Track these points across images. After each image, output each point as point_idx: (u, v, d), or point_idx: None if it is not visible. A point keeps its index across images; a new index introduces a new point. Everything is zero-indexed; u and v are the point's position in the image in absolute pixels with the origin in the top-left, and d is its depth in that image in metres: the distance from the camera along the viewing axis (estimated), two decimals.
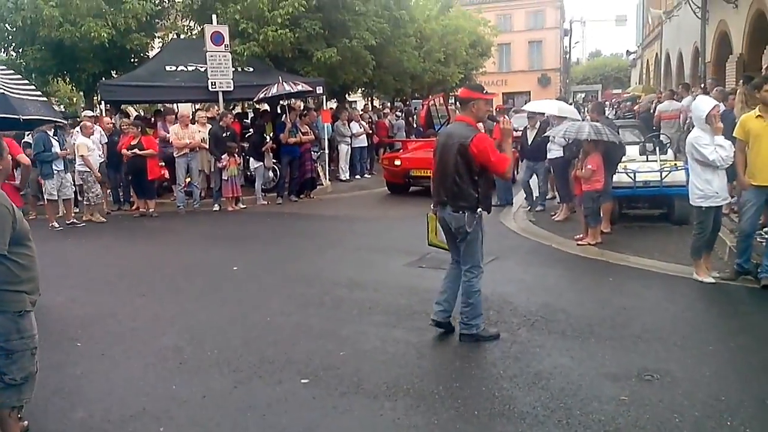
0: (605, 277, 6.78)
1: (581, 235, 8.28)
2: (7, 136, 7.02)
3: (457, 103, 5.12)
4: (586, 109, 21.04)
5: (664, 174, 8.71)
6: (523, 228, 9.50)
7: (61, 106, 29.29)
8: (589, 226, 8.20)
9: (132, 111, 18.00)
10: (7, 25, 13.90)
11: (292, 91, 12.75)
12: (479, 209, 4.87)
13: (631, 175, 8.75)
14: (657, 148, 9.69)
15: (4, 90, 3.87)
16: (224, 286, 6.84)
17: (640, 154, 9.67)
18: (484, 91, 5.33)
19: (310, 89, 13.48)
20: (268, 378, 4.42)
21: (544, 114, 11.07)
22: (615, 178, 8.56)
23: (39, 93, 4.34)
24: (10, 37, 14.18)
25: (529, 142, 10.77)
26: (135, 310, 6.11)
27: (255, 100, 14.05)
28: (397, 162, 13.42)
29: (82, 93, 17.22)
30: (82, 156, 10.83)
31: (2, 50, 15.02)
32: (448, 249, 5.27)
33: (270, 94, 12.85)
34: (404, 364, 4.58)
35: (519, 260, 7.64)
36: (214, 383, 4.37)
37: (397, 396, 4.06)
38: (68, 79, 16.18)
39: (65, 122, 7.61)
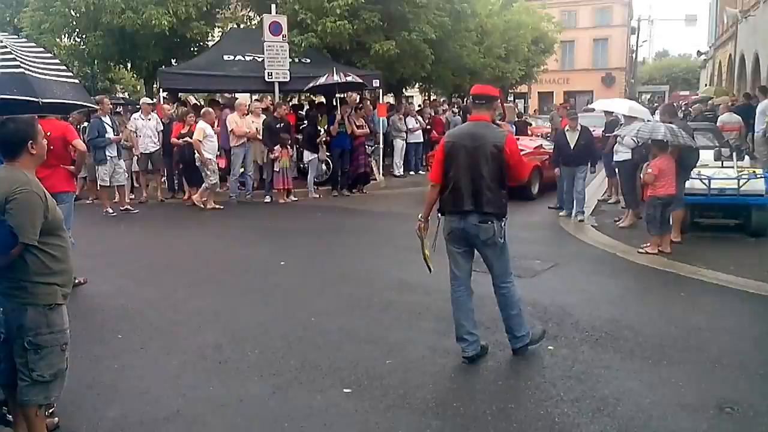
0: (676, 291, 6.26)
1: (648, 244, 7.74)
2: (63, 120, 6.97)
3: (474, 100, 4.58)
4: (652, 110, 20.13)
5: (741, 182, 8.08)
6: (585, 233, 8.98)
7: (125, 93, 29.99)
8: (650, 234, 7.66)
9: (192, 100, 18.13)
10: (71, 11, 14.10)
11: (342, 81, 12.47)
12: (506, 217, 4.49)
13: (706, 181, 8.15)
14: (734, 154, 9.03)
15: (25, 68, 3.45)
16: (270, 281, 6.63)
17: (715, 160, 9.02)
18: None
19: (361, 80, 13.16)
20: (309, 385, 4.15)
21: (612, 113, 10.51)
22: (687, 184, 7.98)
23: (69, 74, 3.83)
24: (74, 23, 14.39)
25: (572, 146, 9.70)
26: (178, 302, 5.95)
27: (305, 89, 13.84)
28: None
29: (142, 80, 17.42)
30: (197, 141, 10.80)
31: (66, 36, 15.28)
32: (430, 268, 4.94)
33: (319, 83, 12.62)
34: (454, 378, 4.25)
35: (580, 268, 7.18)
36: (252, 387, 4.13)
37: (446, 414, 3.74)
38: (129, 66, 16.35)
39: (96, 107, 7.33)
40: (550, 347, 4.72)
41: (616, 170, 10.01)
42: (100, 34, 14.42)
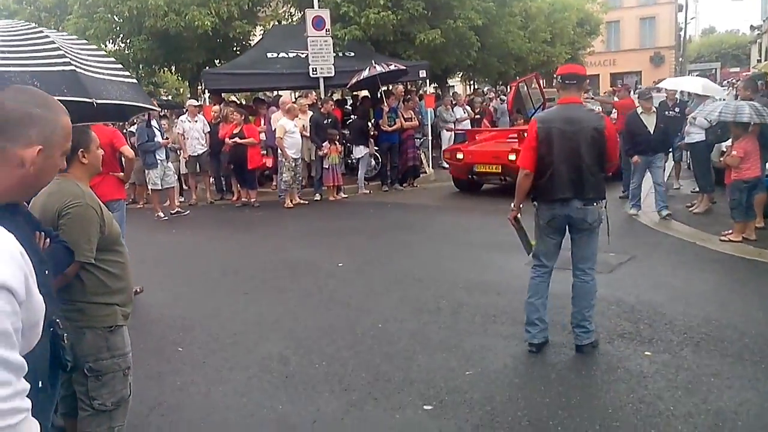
0: None
1: (730, 231, 7.18)
2: (110, 125, 6.79)
3: (563, 81, 4.28)
4: None
5: None
6: (657, 222, 8.41)
7: (169, 96, 30.21)
8: (735, 221, 7.11)
9: (237, 100, 18.03)
10: (114, 16, 14.08)
11: (385, 71, 12.09)
12: (605, 199, 4.35)
13: None
14: None
15: (76, 65, 3.10)
16: (329, 284, 6.33)
17: None
18: None
19: (404, 67, 12.73)
20: (385, 401, 3.81)
21: (677, 91, 9.89)
22: None
23: (126, 73, 3.44)
24: (118, 28, 14.38)
25: (652, 131, 8.45)
26: (238, 311, 5.70)
27: (348, 86, 13.51)
28: (460, 155, 11.57)
29: (187, 82, 17.39)
30: (279, 138, 10.73)
31: (111, 41, 15.30)
32: (535, 252, 4.59)
33: (362, 78, 12.28)
34: (545, 391, 3.85)
35: (661, 260, 6.66)
36: (324, 404, 3.82)
37: None
38: (173, 69, 16.31)
39: (157, 109, 6.98)
40: (647, 353, 4.28)
41: (686, 153, 9.39)
42: (143, 38, 14.36)
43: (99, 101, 2.90)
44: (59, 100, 2.92)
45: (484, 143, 12.24)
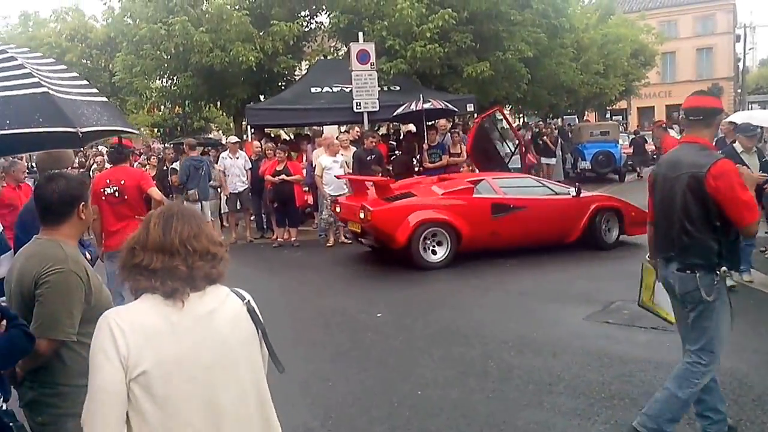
0: None
1: None
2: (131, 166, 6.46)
3: (687, 116, 3.48)
4: None
5: None
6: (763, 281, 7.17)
7: (220, 131, 30.58)
8: None
9: (283, 135, 17.92)
10: (162, 53, 14.14)
11: (432, 108, 11.67)
12: (721, 268, 3.32)
13: None
14: None
15: (48, 86, 2.36)
16: (366, 340, 5.78)
17: None
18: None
19: (442, 106, 12.27)
20: None
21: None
22: None
23: (93, 90, 2.75)
24: (164, 65, 14.43)
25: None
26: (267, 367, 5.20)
27: (390, 118, 13.12)
28: (337, 208, 9.58)
29: (231, 118, 17.37)
30: (318, 176, 10.46)
31: (158, 78, 15.38)
32: (671, 321, 3.77)
33: (408, 111, 11.87)
34: None
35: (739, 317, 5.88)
36: None
37: None
38: (219, 105, 16.30)
39: (136, 132, 6.40)
40: None
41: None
42: (189, 75, 14.38)
43: (84, 130, 2.31)
44: (36, 132, 2.37)
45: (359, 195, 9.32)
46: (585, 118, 30.28)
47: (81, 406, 2.44)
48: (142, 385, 1.61)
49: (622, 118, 39.15)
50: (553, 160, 17.25)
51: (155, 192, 6.01)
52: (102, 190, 5.57)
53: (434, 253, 8.46)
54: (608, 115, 35.78)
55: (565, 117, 28.48)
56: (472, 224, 8.49)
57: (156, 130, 28.87)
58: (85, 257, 3.49)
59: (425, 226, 8.34)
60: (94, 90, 2.79)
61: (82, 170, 12.82)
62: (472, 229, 8.48)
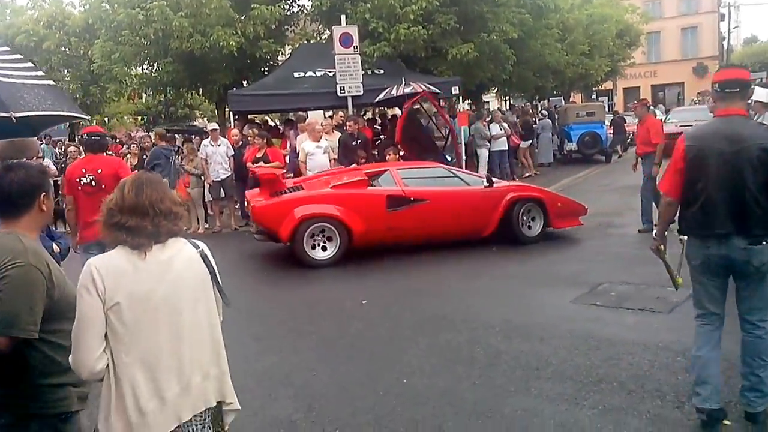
0: None
1: None
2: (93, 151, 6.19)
3: (721, 89, 3.45)
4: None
5: None
6: None
7: (205, 119, 30.25)
8: None
9: (271, 121, 17.68)
10: (142, 39, 13.85)
11: (416, 91, 11.51)
12: None
13: None
14: None
15: None
16: (352, 328, 5.69)
17: None
18: None
19: (436, 91, 12.13)
20: None
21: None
22: None
23: (40, 73, 2.58)
24: (144, 52, 14.14)
25: None
26: (249, 358, 5.09)
27: (375, 101, 12.93)
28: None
29: (214, 105, 17.12)
30: (302, 162, 10.20)
31: (138, 64, 15.09)
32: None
33: (391, 96, 11.71)
34: None
35: None
36: None
37: None
38: (201, 91, 16.03)
39: (86, 117, 6.14)
40: None
41: None
42: (169, 61, 14.09)
43: (18, 115, 2.15)
44: None
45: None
46: (571, 99, 30.20)
47: (45, 406, 2.37)
48: (116, 312, 2.08)
49: (608, 99, 39.10)
50: (527, 143, 17.08)
51: None
52: (77, 179, 5.39)
53: (324, 249, 8.01)
54: (594, 96, 35.73)
55: (551, 98, 28.41)
56: (366, 219, 7.97)
57: (140, 118, 28.51)
58: (55, 249, 3.38)
59: (311, 222, 7.89)
60: (40, 73, 2.64)
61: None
62: (366, 225, 7.96)
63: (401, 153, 10.25)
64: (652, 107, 10.43)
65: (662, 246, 3.77)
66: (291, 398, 4.30)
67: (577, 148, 18.93)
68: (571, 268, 7.25)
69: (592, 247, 8.37)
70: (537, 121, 18.81)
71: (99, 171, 5.43)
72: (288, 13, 15.54)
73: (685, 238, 3.58)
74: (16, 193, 2.40)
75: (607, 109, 29.21)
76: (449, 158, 9.77)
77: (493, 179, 8.76)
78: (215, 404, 2.30)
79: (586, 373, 4.32)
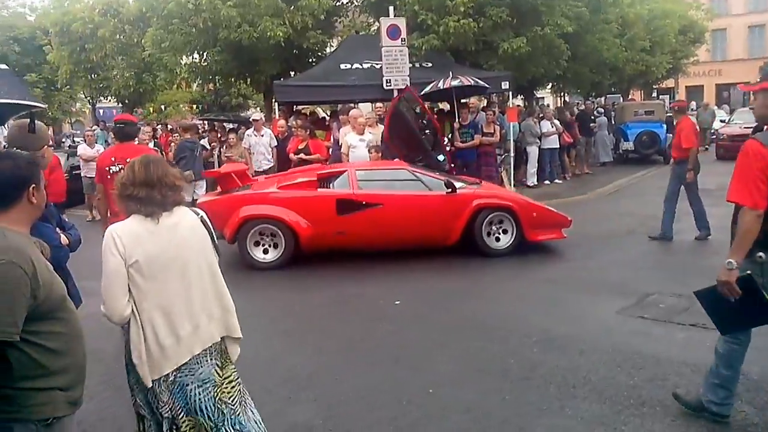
0: None
1: None
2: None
3: None
4: None
5: None
6: None
7: (258, 109, 30.48)
8: None
9: (320, 112, 17.55)
10: (192, 28, 13.88)
11: (461, 85, 11.15)
12: None
13: None
14: None
15: None
16: (380, 330, 5.46)
17: None
18: None
19: (485, 85, 11.75)
20: None
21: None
22: None
23: None
24: (194, 41, 14.18)
25: None
26: (273, 358, 4.93)
27: (420, 95, 12.60)
28: None
29: (261, 95, 17.11)
30: (344, 154, 9.94)
31: (188, 54, 15.17)
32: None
33: (436, 89, 11.38)
34: None
35: None
36: None
37: None
38: (249, 81, 16.02)
39: (42, 106, 5.86)
40: None
41: None
42: (218, 50, 14.10)
43: None
44: None
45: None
46: (630, 96, 29.17)
47: (28, 411, 2.21)
48: (135, 268, 2.56)
49: (670, 98, 37.69)
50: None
51: None
52: (107, 168, 5.33)
53: (265, 252, 7.73)
54: (655, 94, 34.46)
55: (608, 96, 27.47)
56: (314, 222, 7.61)
57: (194, 106, 28.91)
58: (63, 241, 3.25)
59: (254, 223, 7.61)
60: None
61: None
62: (313, 228, 7.62)
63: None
64: (694, 108, 9.51)
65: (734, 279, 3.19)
66: (311, 402, 4.11)
67: (633, 148, 18.19)
68: (618, 275, 6.84)
69: (642, 253, 7.92)
70: (593, 119, 18.14)
71: (128, 160, 5.32)
72: (336, 4, 15.38)
73: (763, 255, 3.20)
74: (3, 185, 2.25)
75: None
76: (441, 158, 9.13)
77: (457, 185, 7.86)
78: (219, 339, 2.78)
79: (627, 394, 3.98)
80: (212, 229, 2.81)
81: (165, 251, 2.59)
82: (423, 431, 3.67)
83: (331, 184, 7.98)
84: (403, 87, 11.65)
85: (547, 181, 14.60)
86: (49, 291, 2.23)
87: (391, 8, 12.45)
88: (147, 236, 2.58)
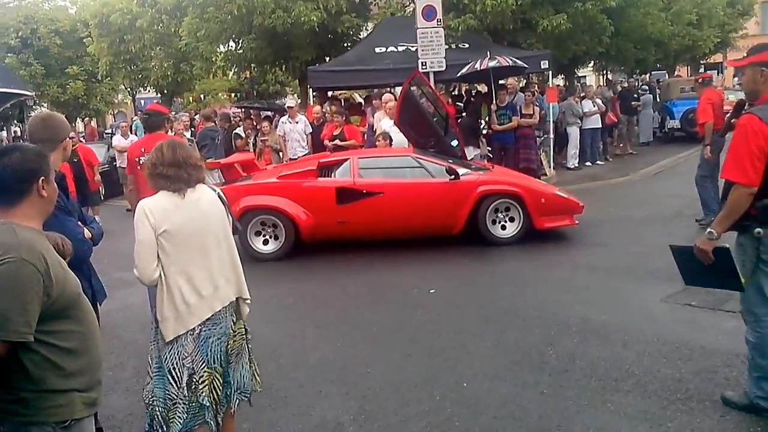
0: None
1: None
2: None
3: None
4: None
5: None
6: None
7: (295, 95, 30.51)
8: None
9: (357, 97, 17.44)
10: (228, 16, 13.88)
11: (499, 66, 10.85)
12: None
13: None
14: None
15: None
16: (414, 320, 5.33)
17: None
18: None
19: (523, 65, 11.43)
20: None
21: None
22: None
23: None
24: (229, 29, 14.18)
25: None
26: (304, 349, 4.87)
27: (455, 78, 12.33)
28: None
29: (297, 81, 17.06)
30: (378, 139, 9.48)
31: (224, 42, 15.20)
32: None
33: (473, 71, 11.10)
34: None
35: None
36: None
37: None
38: (284, 68, 15.98)
39: (29, 94, 5.63)
40: None
41: None
42: (253, 37, 14.08)
43: None
44: None
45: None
46: (676, 73, 28.21)
47: (45, 413, 2.16)
48: (164, 237, 2.86)
49: (717, 73, 36.31)
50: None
51: None
52: (137, 159, 5.29)
53: (267, 242, 7.63)
54: (702, 70, 33.23)
55: (653, 73, 26.61)
56: (314, 212, 7.48)
57: (233, 94, 29.12)
58: (86, 235, 3.19)
59: (253, 213, 7.48)
60: None
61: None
62: (313, 218, 7.49)
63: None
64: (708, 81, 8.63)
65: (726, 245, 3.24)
66: (341, 397, 4.01)
67: (680, 126, 17.52)
68: (663, 260, 6.43)
69: (690, 236, 7.50)
70: (637, 96, 17.56)
71: None
72: None
73: (761, 231, 3.18)
74: (11, 179, 2.18)
75: (716, 84, 27.10)
76: (455, 144, 8.76)
77: (461, 171, 7.55)
78: (234, 299, 3.11)
79: (674, 388, 3.77)
80: (227, 204, 3.14)
81: (190, 222, 2.91)
82: (457, 428, 3.53)
83: (332, 173, 7.82)
84: (441, 69, 11.44)
85: (588, 163, 14.19)
86: (62, 288, 2.16)
87: None
88: (174, 209, 2.89)
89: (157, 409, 2.96)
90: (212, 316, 2.98)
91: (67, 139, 3.22)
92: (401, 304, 5.75)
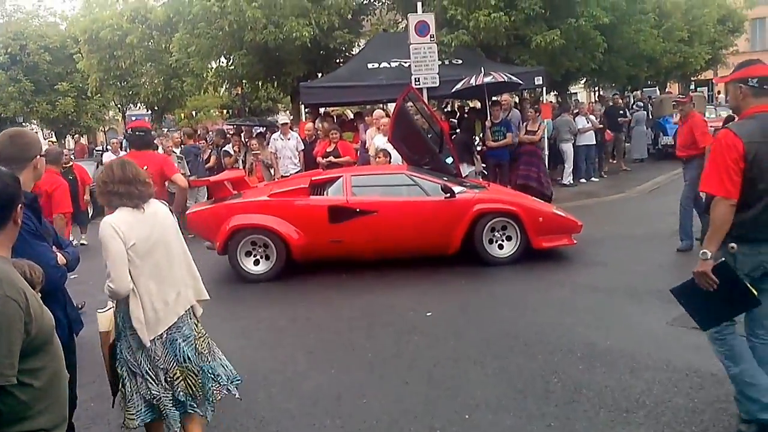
0: None
1: None
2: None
3: (762, 84, 3.20)
4: None
5: None
6: None
7: (287, 112, 30.36)
8: None
9: (350, 114, 17.29)
10: (218, 32, 13.73)
11: (494, 82, 10.74)
12: None
13: None
14: None
15: None
16: (411, 344, 5.11)
17: None
18: None
19: (518, 81, 11.33)
20: None
21: None
22: None
23: None
24: (220, 44, 14.03)
25: None
26: (296, 376, 4.64)
27: (449, 94, 12.21)
28: None
29: (288, 97, 16.90)
30: (372, 156, 9.48)
31: (214, 58, 15.03)
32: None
33: (467, 86, 10.98)
34: None
35: None
36: None
37: None
38: (275, 84, 15.83)
39: None
40: None
41: None
42: (244, 53, 13.92)
43: None
44: None
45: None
46: (667, 89, 28.28)
47: None
48: (133, 250, 2.99)
49: (708, 90, 36.49)
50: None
51: (180, 178, 5.52)
52: None
53: (256, 263, 7.43)
54: (693, 87, 33.40)
55: (645, 89, 26.66)
56: (306, 231, 7.29)
57: (224, 111, 28.94)
58: (60, 261, 2.97)
59: (244, 233, 7.30)
60: None
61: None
62: (305, 237, 7.30)
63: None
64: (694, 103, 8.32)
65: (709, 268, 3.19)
66: (336, 430, 3.79)
67: (673, 143, 17.42)
68: (666, 280, 6.31)
69: (692, 255, 7.39)
70: (628, 113, 17.49)
71: (144, 168, 5.08)
72: (363, 2, 15.09)
73: (735, 246, 3.20)
74: None
75: (708, 101, 27.17)
76: (449, 161, 8.57)
77: (456, 189, 7.39)
78: (195, 302, 3.33)
79: (688, 420, 3.57)
80: (175, 218, 3.48)
81: (152, 234, 3.06)
82: None
83: (325, 191, 7.61)
84: (434, 85, 11.32)
85: (583, 179, 14.08)
86: (41, 323, 1.97)
87: (419, 4, 12.14)
88: (137, 224, 3.03)
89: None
90: (177, 320, 3.16)
91: (38, 157, 3.00)
92: (397, 328, 5.52)
